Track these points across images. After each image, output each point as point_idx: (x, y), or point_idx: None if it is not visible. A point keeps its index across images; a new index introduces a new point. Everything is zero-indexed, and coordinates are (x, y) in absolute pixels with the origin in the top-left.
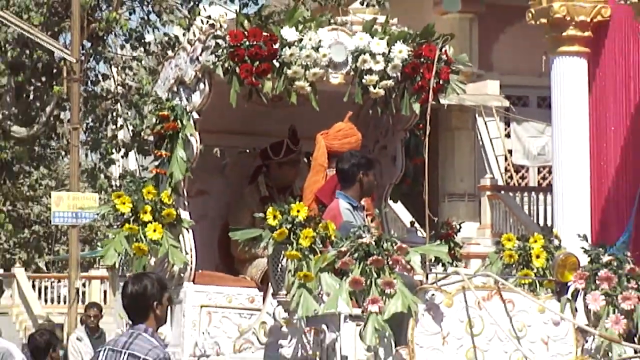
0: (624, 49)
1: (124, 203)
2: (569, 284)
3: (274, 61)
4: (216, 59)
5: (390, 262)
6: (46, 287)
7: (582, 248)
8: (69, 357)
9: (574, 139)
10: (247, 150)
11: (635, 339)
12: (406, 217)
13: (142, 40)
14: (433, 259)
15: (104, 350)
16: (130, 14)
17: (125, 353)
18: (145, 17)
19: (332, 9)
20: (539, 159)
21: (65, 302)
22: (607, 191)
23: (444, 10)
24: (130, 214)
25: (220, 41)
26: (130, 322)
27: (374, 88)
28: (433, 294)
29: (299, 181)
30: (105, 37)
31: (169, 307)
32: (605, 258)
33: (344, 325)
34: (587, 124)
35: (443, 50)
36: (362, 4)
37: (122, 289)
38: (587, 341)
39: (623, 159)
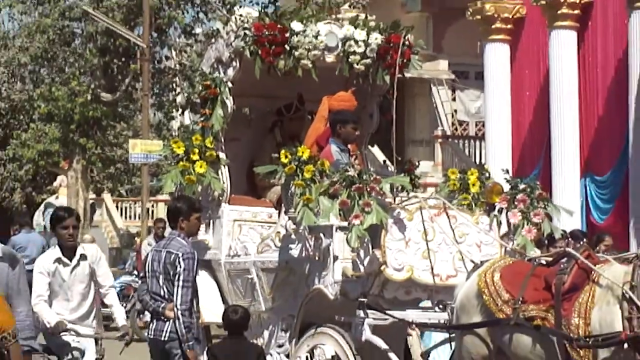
0: (536, 37)
1: (179, 147)
2: (496, 204)
3: (286, 46)
4: (244, 44)
5: (368, 189)
6: (126, 207)
7: (505, 179)
8: (142, 254)
9: (500, 101)
10: (268, 110)
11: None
12: (380, 157)
13: (193, 32)
14: (399, 187)
15: (151, 251)
16: (185, 13)
17: (164, 250)
18: (196, 16)
19: (328, 9)
20: (476, 116)
21: (138, 218)
22: (524, 139)
23: (408, 9)
24: (184, 155)
25: (247, 32)
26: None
27: (357, 65)
28: (399, 212)
29: (304, 132)
30: (167, 30)
31: (200, 223)
32: (522, 186)
33: (335, 233)
34: (509, 90)
35: (406, 38)
36: (349, 6)
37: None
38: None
39: (535, 116)
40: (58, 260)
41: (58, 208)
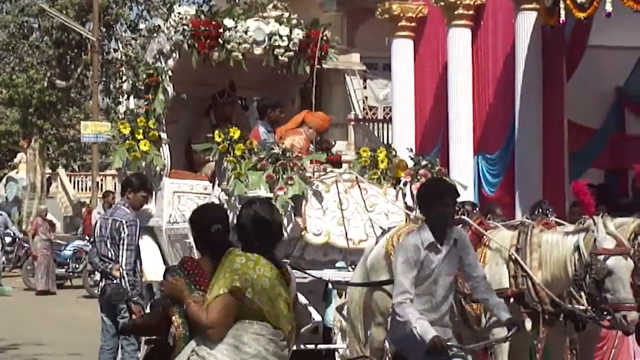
0: (436, 34)
1: (125, 128)
2: (401, 178)
3: (219, 39)
4: (183, 38)
5: (291, 165)
6: (78, 181)
7: (409, 156)
8: (92, 221)
9: (404, 89)
10: (203, 95)
11: None
12: None
13: (138, 27)
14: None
15: (99, 219)
16: (129, 10)
17: (110, 218)
18: (140, 13)
19: (255, 8)
20: (384, 102)
21: (89, 190)
22: (425, 121)
23: (325, 9)
24: (129, 135)
25: (185, 27)
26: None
27: (281, 57)
28: (317, 184)
29: (235, 115)
30: (114, 25)
31: (145, 202)
32: (423, 162)
33: None
34: (412, 80)
35: (324, 34)
36: (273, 6)
37: None
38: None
39: (435, 102)
40: (430, 247)
41: (438, 182)
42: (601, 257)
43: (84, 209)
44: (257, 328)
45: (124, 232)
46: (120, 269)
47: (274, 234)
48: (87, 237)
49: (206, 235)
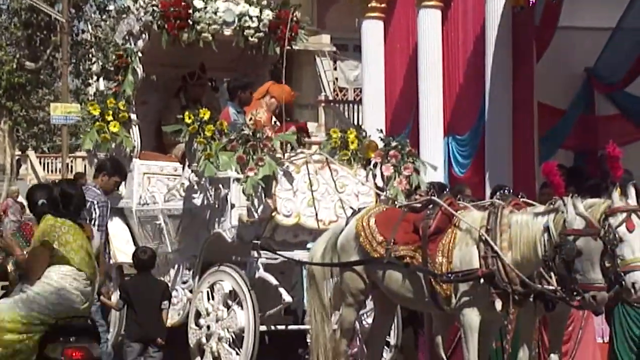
0: (406, 15)
1: (95, 109)
2: (371, 159)
3: (189, 20)
4: (152, 19)
5: (262, 146)
6: (48, 163)
7: (380, 137)
8: None
9: (375, 70)
10: (174, 76)
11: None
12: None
13: (107, 8)
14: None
15: None
16: None
17: None
18: None
19: None
20: (354, 84)
21: (59, 172)
22: (395, 102)
23: None
24: (99, 116)
25: (155, 8)
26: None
27: (251, 38)
28: (287, 165)
29: (205, 96)
30: (83, 6)
31: (116, 188)
32: (394, 143)
33: (232, 184)
34: (383, 61)
35: (294, 14)
36: None
37: None
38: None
39: (405, 83)
40: None
41: None
42: (571, 238)
43: None
44: (64, 270)
45: (95, 213)
46: None
47: (77, 204)
48: None
49: (35, 207)
